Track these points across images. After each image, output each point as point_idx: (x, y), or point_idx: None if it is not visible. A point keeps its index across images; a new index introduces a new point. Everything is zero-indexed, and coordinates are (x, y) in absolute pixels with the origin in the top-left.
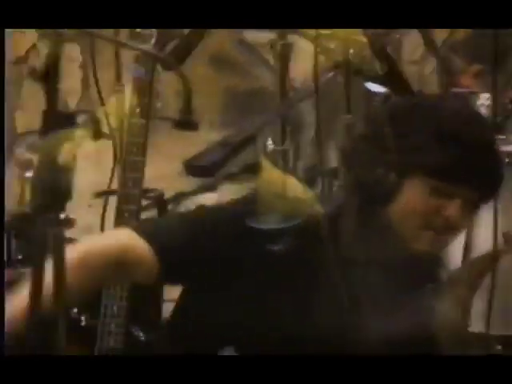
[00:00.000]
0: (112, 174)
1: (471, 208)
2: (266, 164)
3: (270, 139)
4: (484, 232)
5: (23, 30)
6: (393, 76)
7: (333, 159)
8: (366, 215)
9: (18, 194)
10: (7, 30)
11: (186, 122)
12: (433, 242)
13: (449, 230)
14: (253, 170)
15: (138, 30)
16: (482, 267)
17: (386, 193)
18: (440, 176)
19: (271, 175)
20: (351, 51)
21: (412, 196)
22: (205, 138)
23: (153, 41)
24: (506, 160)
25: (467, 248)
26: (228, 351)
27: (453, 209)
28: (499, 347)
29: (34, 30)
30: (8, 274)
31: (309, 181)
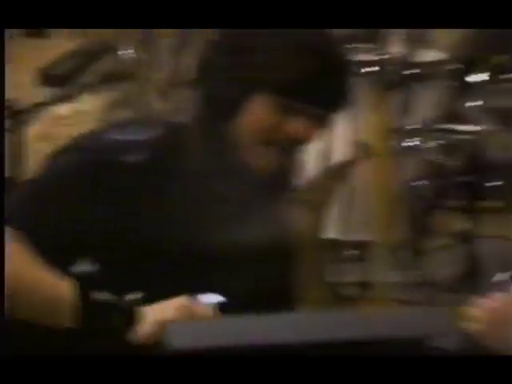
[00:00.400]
0: None
1: (318, 123)
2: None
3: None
4: (338, 141)
5: None
6: None
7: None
8: (214, 129)
9: None
10: None
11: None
12: (275, 159)
13: (293, 145)
14: (111, 79)
15: None
16: (338, 174)
17: (232, 108)
18: (285, 93)
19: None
20: None
21: (256, 112)
22: (61, 47)
23: None
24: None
25: (323, 156)
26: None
27: (298, 125)
28: (356, 252)
29: None
30: None
31: (167, 92)
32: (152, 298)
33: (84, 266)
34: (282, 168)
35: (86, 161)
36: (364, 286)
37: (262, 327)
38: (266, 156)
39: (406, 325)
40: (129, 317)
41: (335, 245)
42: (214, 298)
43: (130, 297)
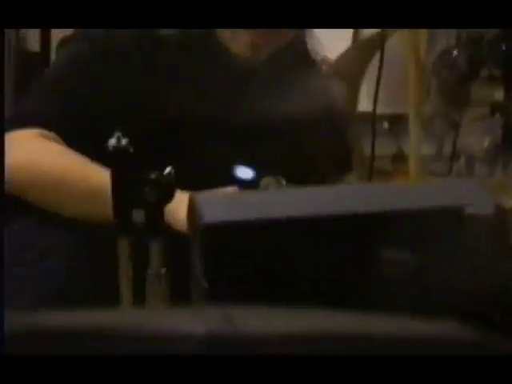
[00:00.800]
0: None
1: None
2: None
3: None
4: None
5: None
6: None
7: None
8: None
9: None
10: None
11: None
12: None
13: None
14: None
15: None
16: (369, 46)
17: None
18: None
19: None
20: None
21: None
22: None
23: None
24: None
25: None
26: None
27: None
28: (386, 124)
29: None
30: None
31: None
32: (188, 173)
33: (119, 142)
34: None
35: (118, 36)
36: (398, 158)
37: (301, 199)
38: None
39: (438, 195)
40: (164, 191)
41: (368, 117)
42: (249, 173)
43: (166, 171)
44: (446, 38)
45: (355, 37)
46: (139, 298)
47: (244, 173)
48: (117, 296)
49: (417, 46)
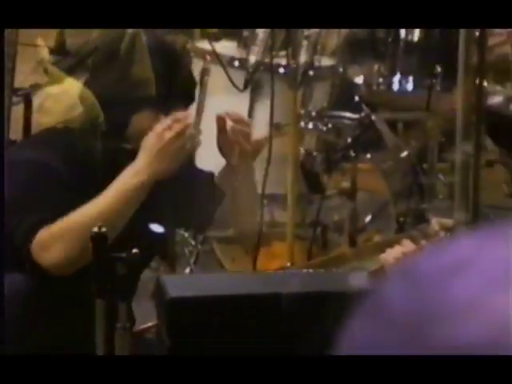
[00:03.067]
0: None
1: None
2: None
3: None
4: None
5: None
6: None
7: None
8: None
9: None
10: None
11: None
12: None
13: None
14: None
15: None
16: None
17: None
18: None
19: None
20: None
21: (143, 128)
22: None
23: None
24: None
25: None
26: None
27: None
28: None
29: None
30: None
31: None
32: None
33: (100, 229)
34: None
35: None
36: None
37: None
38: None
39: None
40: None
41: None
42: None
43: (133, 251)
44: (313, 143)
45: None
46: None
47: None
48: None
49: (294, 147)
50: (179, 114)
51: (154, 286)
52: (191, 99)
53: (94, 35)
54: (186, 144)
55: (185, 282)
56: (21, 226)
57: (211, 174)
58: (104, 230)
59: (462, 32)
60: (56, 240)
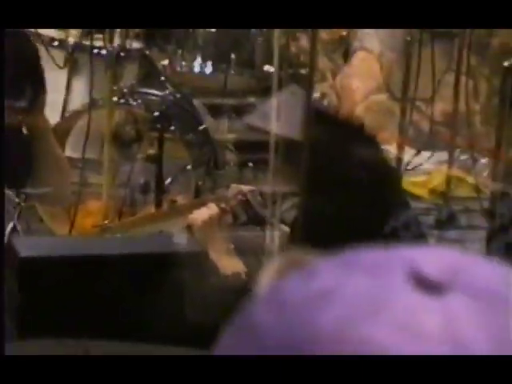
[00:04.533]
0: None
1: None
2: None
3: None
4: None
5: None
6: None
7: None
8: None
9: None
10: None
11: None
12: None
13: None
14: None
15: None
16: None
17: None
18: None
19: None
20: None
21: None
22: None
23: None
24: None
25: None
26: None
27: None
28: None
29: None
30: None
31: None
32: None
33: None
34: None
35: None
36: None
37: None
38: None
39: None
40: None
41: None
42: None
43: None
44: (125, 117)
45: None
46: None
47: None
48: None
49: (109, 121)
50: None
51: (6, 246)
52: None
53: None
54: None
55: (34, 243)
56: None
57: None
58: None
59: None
60: None
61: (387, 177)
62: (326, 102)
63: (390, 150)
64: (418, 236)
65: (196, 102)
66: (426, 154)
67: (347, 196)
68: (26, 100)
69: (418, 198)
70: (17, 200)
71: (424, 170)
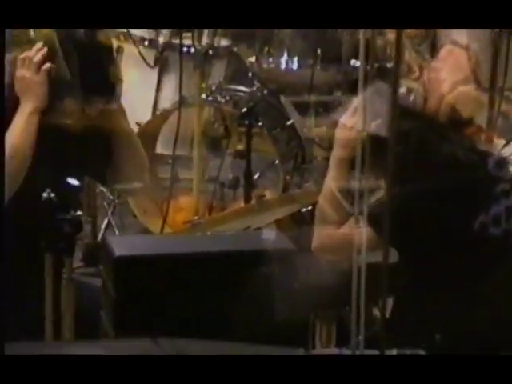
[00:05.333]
0: None
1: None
2: None
3: None
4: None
5: None
6: None
7: None
8: None
9: None
10: None
11: None
12: None
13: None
14: None
15: None
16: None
17: None
18: None
19: None
20: None
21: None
22: None
23: None
24: None
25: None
26: None
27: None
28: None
29: None
30: None
31: None
32: None
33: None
34: None
35: None
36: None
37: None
38: None
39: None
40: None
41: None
42: None
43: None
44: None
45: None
46: None
47: None
48: None
49: (199, 116)
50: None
51: (101, 244)
52: (112, 92)
53: None
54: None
55: (128, 241)
56: None
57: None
58: (52, 195)
59: None
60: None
61: (476, 169)
62: (412, 97)
63: (479, 140)
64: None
65: (282, 97)
66: None
67: (436, 190)
68: (103, 92)
69: None
70: (111, 197)
71: None
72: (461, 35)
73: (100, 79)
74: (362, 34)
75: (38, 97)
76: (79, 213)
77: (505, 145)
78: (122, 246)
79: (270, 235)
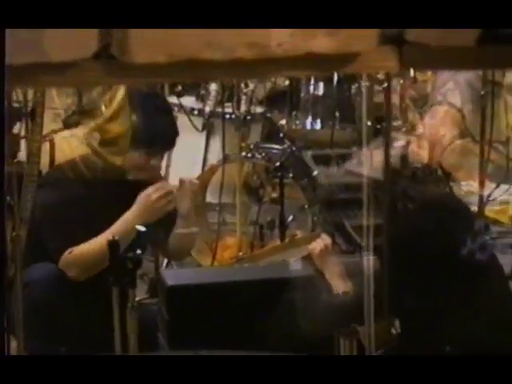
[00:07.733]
0: None
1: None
2: None
3: None
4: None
5: None
6: None
7: None
8: None
9: None
10: None
11: None
12: None
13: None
14: None
15: None
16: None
17: None
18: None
19: None
20: None
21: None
22: None
23: None
24: None
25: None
26: None
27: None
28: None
29: None
30: None
31: None
32: None
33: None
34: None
35: None
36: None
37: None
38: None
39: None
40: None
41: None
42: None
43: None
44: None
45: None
46: None
47: None
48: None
49: (238, 171)
50: (163, 183)
51: (155, 278)
52: (172, 144)
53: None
54: (166, 203)
55: (178, 273)
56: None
57: None
58: (117, 238)
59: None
60: (71, 265)
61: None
62: (408, 149)
63: (473, 184)
64: (491, 257)
65: (307, 153)
66: (504, 187)
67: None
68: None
69: (499, 223)
70: None
71: (504, 200)
72: (455, 97)
73: (163, 132)
74: (365, 97)
75: (154, 216)
76: (138, 251)
77: (495, 187)
78: (173, 277)
79: (296, 265)
